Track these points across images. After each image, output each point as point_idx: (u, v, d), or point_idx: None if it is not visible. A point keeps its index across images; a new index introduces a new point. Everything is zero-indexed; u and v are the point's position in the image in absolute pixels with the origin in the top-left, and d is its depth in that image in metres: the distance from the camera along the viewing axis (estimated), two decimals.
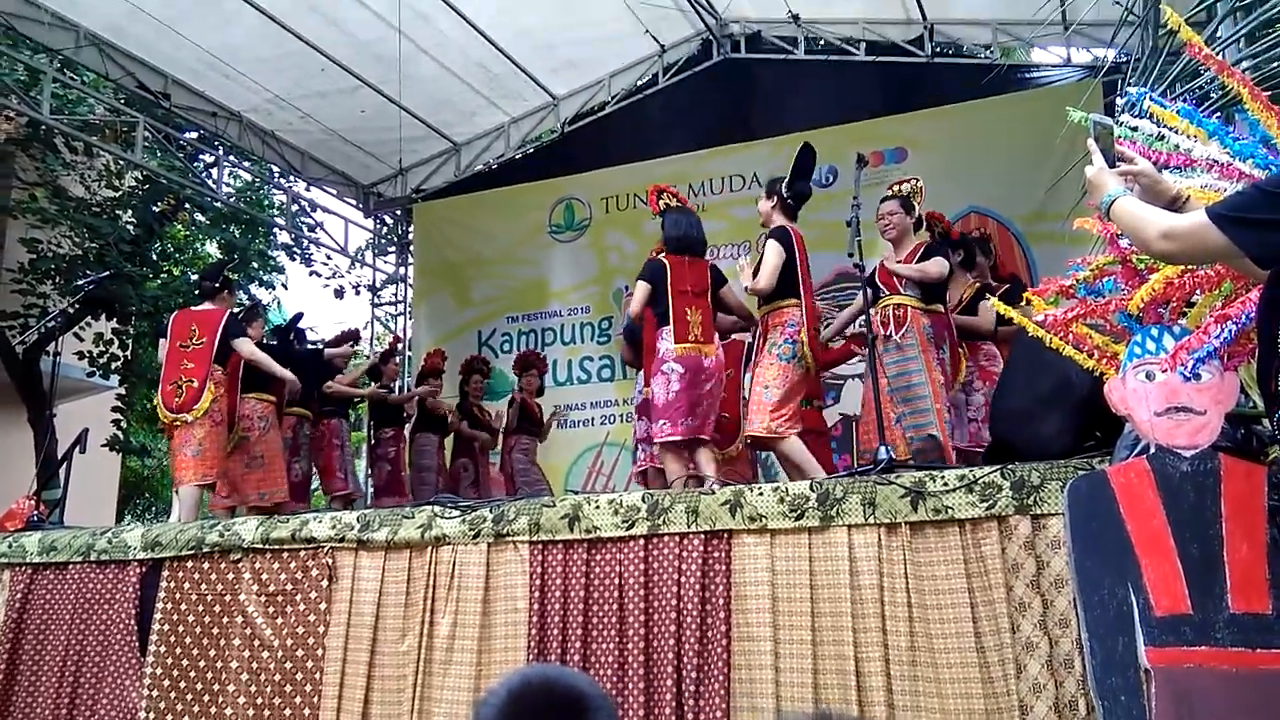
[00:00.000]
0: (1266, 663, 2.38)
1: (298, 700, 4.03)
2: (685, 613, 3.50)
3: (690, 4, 8.52)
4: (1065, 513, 2.77)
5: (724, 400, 5.15)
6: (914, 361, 4.85)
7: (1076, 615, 2.74)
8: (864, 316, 4.64)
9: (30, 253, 9.45)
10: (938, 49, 8.54)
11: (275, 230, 11.53)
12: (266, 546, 4.30)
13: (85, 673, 4.51)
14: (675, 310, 4.85)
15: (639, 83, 9.72)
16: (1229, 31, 3.92)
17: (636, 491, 4.19)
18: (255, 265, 11.31)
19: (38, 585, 4.78)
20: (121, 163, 10.01)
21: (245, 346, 5.81)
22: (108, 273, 8.45)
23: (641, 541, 3.65)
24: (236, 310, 6.40)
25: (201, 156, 10.44)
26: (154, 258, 11.09)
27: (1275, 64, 3.47)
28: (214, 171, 10.16)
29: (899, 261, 5.06)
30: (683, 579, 3.54)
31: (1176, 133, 2.74)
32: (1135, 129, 2.78)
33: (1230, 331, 2.53)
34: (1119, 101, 3.05)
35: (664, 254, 5.11)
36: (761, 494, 3.54)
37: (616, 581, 3.66)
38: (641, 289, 4.99)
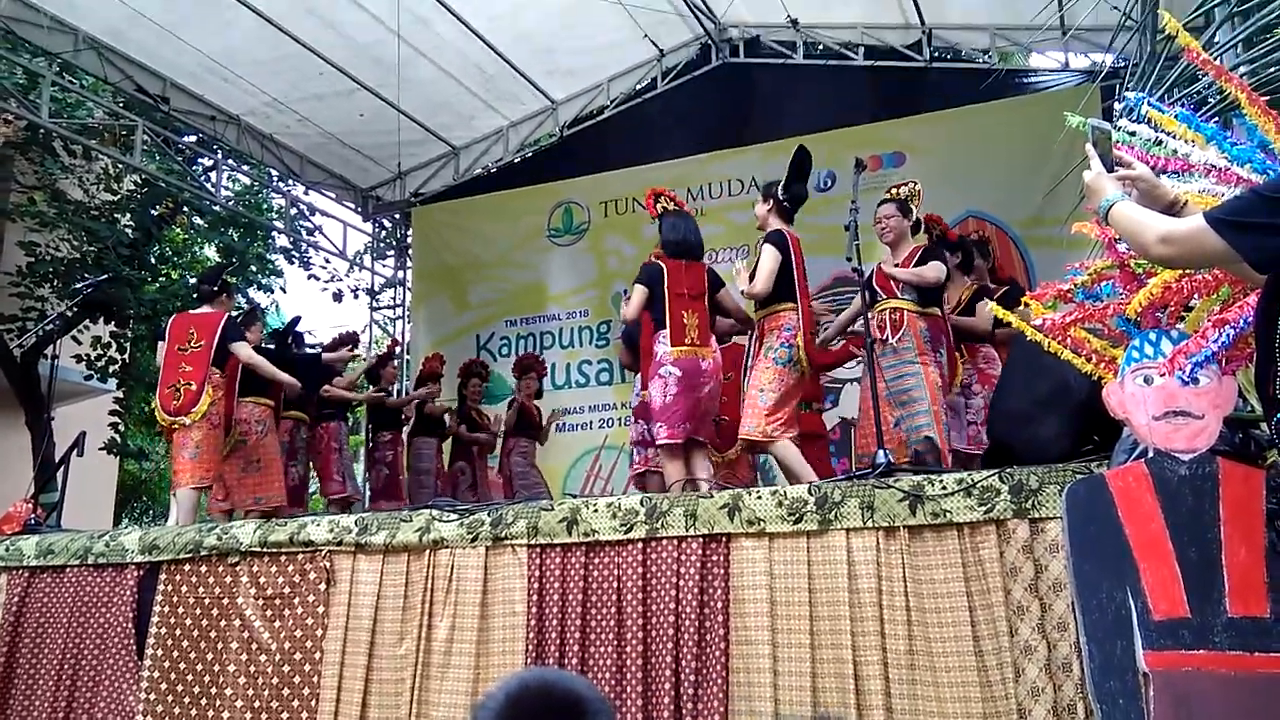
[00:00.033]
0: (1265, 666, 2.39)
1: (295, 704, 4.02)
2: (683, 616, 3.50)
3: (689, 8, 8.54)
4: (1063, 516, 2.78)
5: (724, 403, 5.16)
6: (910, 365, 4.86)
7: (1075, 619, 2.74)
8: (863, 320, 4.65)
9: (28, 256, 9.44)
10: (936, 54, 8.56)
11: (274, 234, 11.53)
12: (264, 550, 4.29)
13: (82, 676, 4.51)
14: (672, 314, 4.86)
15: (638, 87, 9.74)
16: (1227, 36, 3.93)
17: (635, 495, 4.19)
18: (254, 269, 11.31)
19: (35, 588, 4.77)
20: (120, 166, 10.01)
21: (243, 350, 5.81)
22: (106, 276, 8.45)
23: (640, 545, 3.65)
24: (235, 314, 6.39)
25: (200, 160, 10.44)
26: (152, 261, 11.08)
27: (1273, 69, 3.48)
28: (212, 175, 10.16)
29: (896, 265, 5.07)
30: (681, 582, 3.54)
31: (1174, 137, 2.75)
32: (1133, 134, 2.79)
33: (1228, 336, 2.53)
34: (1117, 106, 3.05)
35: (661, 257, 5.12)
36: (760, 498, 3.54)
37: (614, 585, 3.66)
38: (638, 292, 4.99)
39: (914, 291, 4.97)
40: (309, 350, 8.08)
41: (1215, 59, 3.17)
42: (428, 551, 4.00)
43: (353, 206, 11.02)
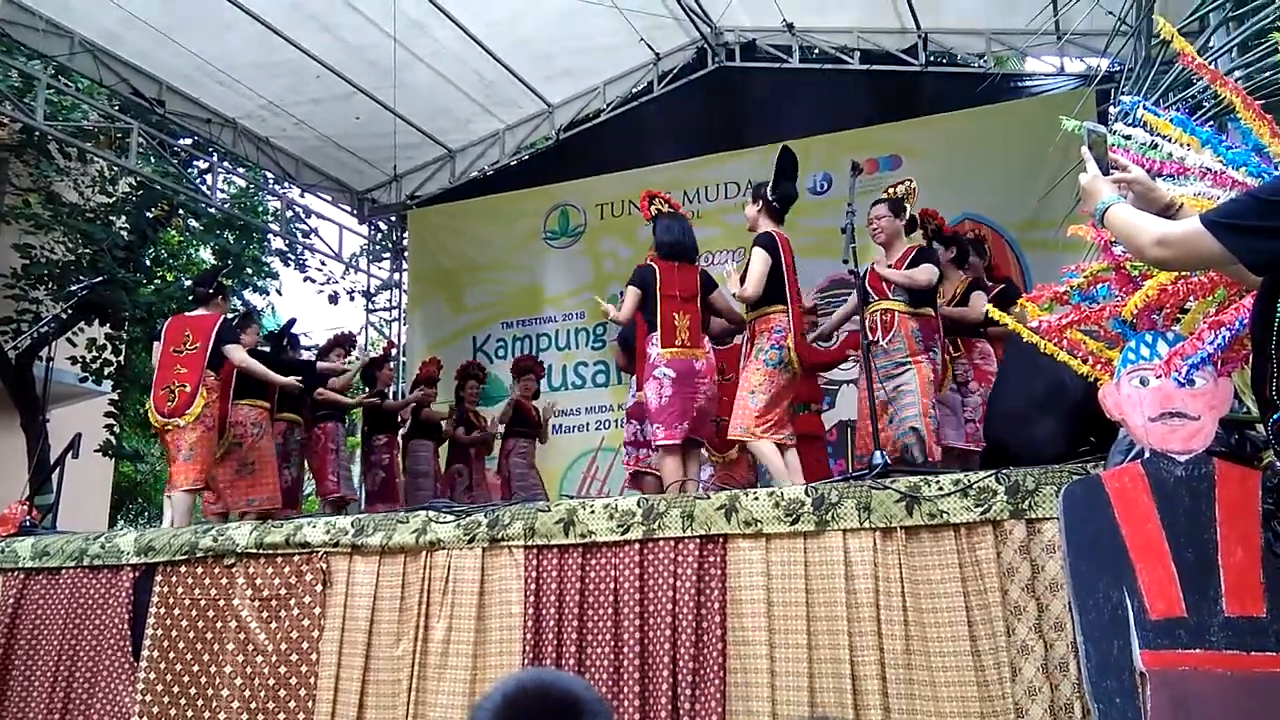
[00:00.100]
0: (1261, 665, 2.40)
1: (292, 705, 4.02)
2: (680, 617, 3.50)
3: (685, 13, 8.55)
4: (1060, 517, 2.79)
5: (723, 404, 5.17)
6: (901, 366, 4.87)
7: (1072, 619, 2.75)
8: (859, 322, 4.66)
9: (23, 258, 9.42)
10: (931, 58, 8.59)
11: (269, 236, 11.51)
12: (260, 551, 4.29)
13: (78, 678, 4.50)
14: (663, 315, 4.89)
15: (634, 90, 9.75)
16: (1221, 41, 3.95)
17: (632, 496, 4.19)
18: (249, 271, 11.27)
19: (30, 590, 4.76)
20: (115, 169, 9.99)
21: (236, 354, 5.80)
22: (101, 278, 8.43)
23: (637, 546, 3.65)
24: (231, 316, 6.38)
25: (195, 163, 10.42)
26: (147, 263, 11.06)
27: (1267, 73, 3.50)
28: (208, 178, 10.14)
29: (889, 266, 5.08)
30: (678, 583, 3.54)
31: (1170, 141, 2.76)
32: (1129, 137, 2.80)
33: (1224, 337, 2.55)
34: (1112, 110, 3.07)
35: (654, 259, 5.13)
36: (757, 499, 3.54)
37: (612, 586, 3.66)
38: (631, 294, 5.01)
39: (905, 292, 4.98)
40: (304, 351, 8.08)
41: (1210, 63, 3.18)
42: (424, 553, 4.00)
43: (348, 209, 11.02)
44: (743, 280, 4.79)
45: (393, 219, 11.31)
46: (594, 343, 9.50)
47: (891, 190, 5.30)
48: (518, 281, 9.99)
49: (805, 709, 3.21)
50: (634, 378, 5.84)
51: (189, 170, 10.24)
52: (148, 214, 10.55)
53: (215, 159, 9.83)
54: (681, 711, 3.41)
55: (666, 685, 3.43)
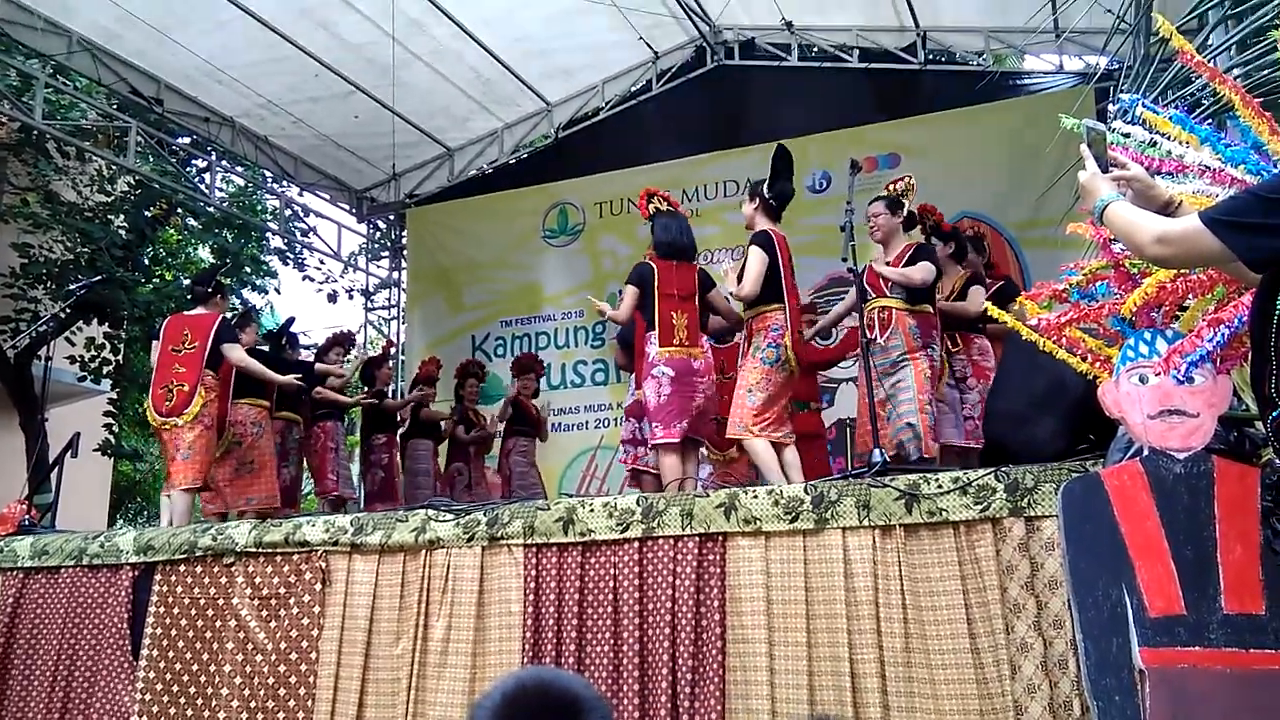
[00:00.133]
0: (1260, 663, 2.40)
1: (291, 704, 4.02)
2: (680, 615, 3.51)
3: (684, 11, 8.55)
4: (1059, 515, 2.79)
5: (722, 403, 5.17)
6: (899, 363, 4.88)
7: (1071, 616, 2.75)
8: (858, 319, 4.66)
9: (22, 257, 9.40)
10: (930, 56, 8.58)
11: (268, 235, 11.50)
12: (260, 550, 4.29)
13: (78, 677, 4.50)
14: (661, 314, 4.89)
15: (633, 89, 9.74)
16: (1220, 39, 3.94)
17: (631, 494, 4.19)
18: (248, 270, 11.25)
19: (30, 589, 4.76)
20: (114, 168, 9.97)
21: (235, 353, 5.79)
22: (99, 277, 8.42)
23: (636, 544, 3.66)
24: (230, 315, 6.37)
25: (194, 162, 10.41)
26: (146, 262, 11.04)
27: (1266, 71, 3.50)
28: (206, 177, 10.13)
29: (887, 263, 5.08)
30: (677, 582, 3.55)
31: (1169, 139, 2.77)
32: (1128, 135, 2.80)
33: (1223, 335, 2.55)
34: (1111, 108, 3.07)
35: (653, 258, 5.13)
36: (756, 497, 3.54)
37: (611, 584, 3.66)
38: (629, 293, 5.02)
39: (903, 289, 4.98)
40: (303, 350, 8.07)
41: (1209, 61, 3.18)
42: (424, 551, 4.00)
43: (347, 208, 11.01)
44: (740, 279, 4.79)
45: (391, 218, 11.30)
46: (593, 341, 9.50)
47: (891, 187, 5.29)
48: (517, 280, 9.98)
49: (804, 707, 3.21)
50: (633, 376, 5.84)
51: (187, 169, 10.23)
52: (146, 213, 10.53)
53: (214, 158, 9.81)
54: (681, 710, 3.41)
55: (666, 683, 3.43)
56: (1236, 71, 3.63)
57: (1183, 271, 2.61)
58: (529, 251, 9.95)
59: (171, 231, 11.90)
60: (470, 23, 8.31)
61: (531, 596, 3.74)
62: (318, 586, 4.13)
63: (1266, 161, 2.64)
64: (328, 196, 10.82)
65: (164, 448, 5.68)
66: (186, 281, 10.21)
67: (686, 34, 9.22)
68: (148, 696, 4.25)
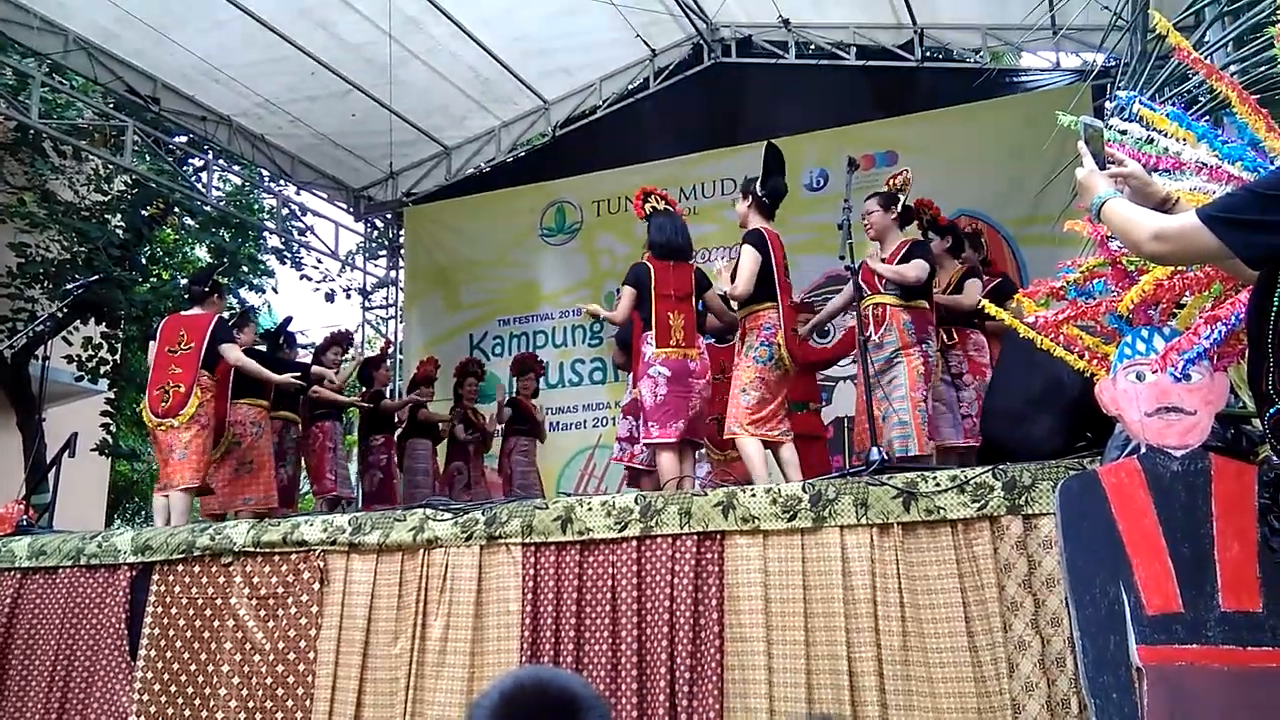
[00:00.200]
0: (1257, 660, 2.40)
1: (289, 704, 4.02)
2: (678, 614, 3.51)
3: (681, 9, 8.54)
4: (1057, 512, 2.79)
5: (722, 403, 5.16)
6: (893, 359, 4.87)
7: (1068, 614, 2.75)
8: (856, 317, 4.65)
9: (19, 257, 9.39)
10: (928, 53, 8.57)
11: (265, 234, 11.49)
12: (258, 550, 4.28)
13: (75, 677, 4.49)
14: (658, 315, 4.89)
15: (630, 87, 9.73)
16: (1217, 36, 3.95)
17: (629, 493, 4.19)
18: (245, 269, 11.24)
19: (27, 590, 4.76)
20: (110, 167, 9.96)
21: (232, 353, 5.78)
22: (96, 277, 8.40)
23: (634, 543, 3.66)
24: (227, 316, 6.36)
25: (191, 161, 10.40)
26: (143, 262, 11.03)
27: (1263, 68, 3.50)
28: (203, 175, 10.11)
29: (883, 260, 5.08)
30: (676, 580, 3.55)
31: (1166, 136, 2.77)
32: (1125, 132, 2.80)
33: (1220, 332, 2.55)
34: (1108, 105, 3.07)
35: (649, 258, 5.13)
36: (754, 495, 3.54)
37: (609, 583, 3.66)
38: (626, 294, 5.01)
39: (898, 286, 4.97)
40: (299, 350, 8.06)
41: (1206, 58, 3.18)
42: (422, 550, 4.00)
43: (344, 207, 11.00)
44: (733, 278, 4.78)
45: (389, 216, 11.29)
46: (591, 340, 9.49)
47: (891, 182, 5.28)
48: (514, 278, 9.98)
49: (802, 705, 3.22)
50: (631, 375, 5.84)
51: (184, 168, 10.23)
52: (143, 212, 10.52)
53: (211, 157, 9.80)
54: (679, 708, 3.41)
55: (664, 682, 3.43)
56: (1233, 68, 3.63)
57: (1180, 269, 2.61)
58: (527, 250, 9.95)
59: (169, 231, 11.89)
60: (468, 21, 8.30)
61: (530, 595, 3.74)
62: (316, 586, 4.13)
63: (1263, 158, 2.64)
64: (325, 195, 10.81)
65: (158, 448, 5.66)
66: (184, 281, 10.20)
67: (684, 31, 9.22)
68: (145, 697, 4.24)
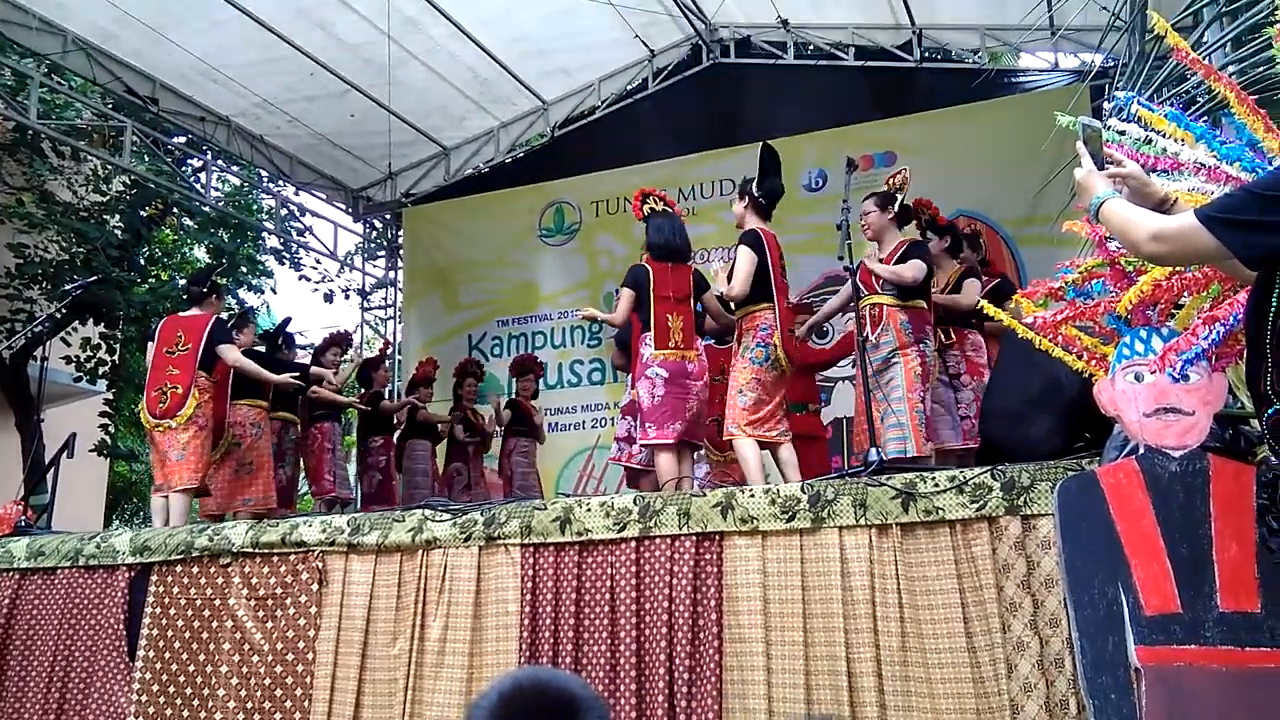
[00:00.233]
0: (1256, 661, 2.40)
1: (288, 704, 4.01)
2: (677, 615, 3.51)
3: (680, 9, 8.54)
4: (1055, 513, 2.79)
5: (721, 403, 5.16)
6: (890, 360, 4.87)
7: (1067, 615, 2.75)
8: (855, 318, 4.65)
9: (17, 258, 9.39)
10: (926, 54, 8.58)
11: (264, 235, 11.48)
12: (256, 550, 4.28)
13: (74, 678, 4.49)
14: (656, 316, 4.89)
15: (629, 87, 9.74)
16: (1215, 36, 3.95)
17: (628, 494, 4.19)
18: (244, 270, 11.24)
19: (25, 590, 4.75)
20: (109, 167, 9.96)
21: (230, 354, 5.77)
22: (95, 277, 8.39)
23: (633, 544, 3.66)
24: (226, 316, 6.35)
25: (189, 161, 10.40)
26: (142, 262, 11.03)
27: (1261, 68, 3.50)
28: (202, 176, 10.12)
29: (880, 260, 5.07)
30: (674, 581, 3.55)
31: (1164, 136, 2.76)
32: (1123, 133, 2.80)
33: (1218, 333, 2.55)
34: (1106, 106, 3.06)
35: (647, 260, 5.12)
36: (753, 496, 3.54)
37: (608, 584, 3.66)
38: (625, 295, 5.01)
39: (895, 286, 4.97)
40: (298, 351, 8.06)
41: (1204, 58, 3.19)
42: (420, 551, 4.00)
43: (343, 207, 11.00)
44: (729, 279, 4.78)
45: (387, 217, 11.29)
46: (590, 340, 9.48)
47: (889, 182, 5.28)
48: (513, 279, 9.98)
49: (801, 706, 3.22)
50: (630, 376, 5.83)
51: (183, 169, 10.23)
52: (142, 213, 10.52)
53: (209, 157, 9.80)
54: (678, 709, 3.41)
55: (663, 683, 3.43)
56: (1231, 68, 3.63)
57: (1178, 269, 2.61)
58: (525, 250, 9.95)
59: (167, 231, 11.89)
60: (467, 22, 8.30)
61: (528, 596, 3.74)
62: (314, 587, 4.13)
63: (1261, 159, 2.64)
64: (324, 196, 10.81)
65: (156, 450, 5.64)
66: (182, 281, 10.20)
67: (682, 32, 9.22)
68: (144, 698, 4.24)
